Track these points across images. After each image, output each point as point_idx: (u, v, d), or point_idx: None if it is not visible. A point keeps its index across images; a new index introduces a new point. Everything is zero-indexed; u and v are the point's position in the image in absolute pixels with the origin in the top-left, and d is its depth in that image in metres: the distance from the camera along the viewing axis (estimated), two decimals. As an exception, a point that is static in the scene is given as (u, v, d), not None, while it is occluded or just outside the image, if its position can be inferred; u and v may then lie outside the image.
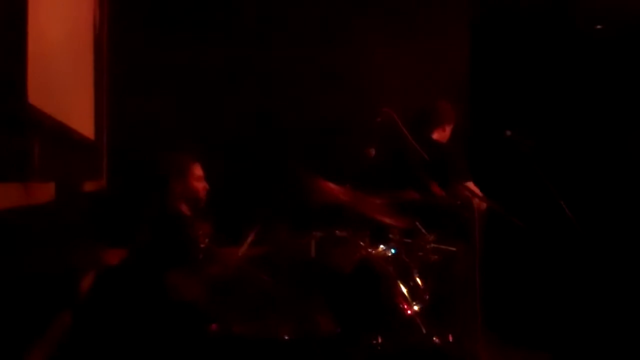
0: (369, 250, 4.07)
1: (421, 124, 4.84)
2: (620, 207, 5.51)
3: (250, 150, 5.24)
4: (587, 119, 5.69)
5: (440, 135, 4.92)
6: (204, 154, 3.94)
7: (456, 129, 5.00)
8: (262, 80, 5.35)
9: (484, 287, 4.23)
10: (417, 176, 4.59)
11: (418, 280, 4.01)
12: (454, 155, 4.76)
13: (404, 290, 3.93)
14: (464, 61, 5.69)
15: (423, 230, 4.18)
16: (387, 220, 4.09)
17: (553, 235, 4.79)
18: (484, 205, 4.42)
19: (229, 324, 3.44)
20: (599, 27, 5.75)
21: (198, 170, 3.89)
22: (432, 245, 4.15)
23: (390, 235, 4.14)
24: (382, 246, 4.13)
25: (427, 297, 3.98)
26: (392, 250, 4.12)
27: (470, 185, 4.54)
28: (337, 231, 4.15)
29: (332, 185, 4.07)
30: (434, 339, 3.82)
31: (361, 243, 4.07)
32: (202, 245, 3.74)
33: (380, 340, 3.71)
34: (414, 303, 3.92)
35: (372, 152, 4.29)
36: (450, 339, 3.90)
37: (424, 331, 3.82)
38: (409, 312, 3.88)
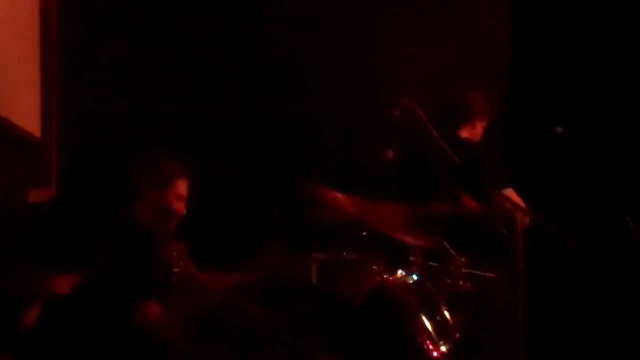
0: (385, 276, 4.07)
1: (446, 119, 4.85)
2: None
3: (236, 153, 5.25)
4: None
5: (471, 133, 4.94)
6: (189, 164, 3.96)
7: (492, 125, 5.01)
8: (251, 70, 5.36)
9: (528, 323, 4.21)
10: (444, 184, 4.59)
11: (446, 314, 4.01)
12: (490, 158, 4.78)
13: (429, 326, 3.93)
14: (503, 44, 5.70)
15: (452, 252, 4.18)
16: (408, 239, 4.10)
17: (615, 258, 4.78)
18: (527, 220, 4.41)
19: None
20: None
21: (182, 188, 3.91)
22: (464, 270, 4.15)
23: (412, 258, 4.15)
24: (401, 271, 4.13)
25: (458, 335, 3.97)
26: (414, 277, 4.12)
27: (511, 194, 4.54)
28: (344, 253, 4.15)
29: (339, 195, 4.08)
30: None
31: (374, 267, 4.07)
32: (176, 270, 3.75)
33: (399, 389, 3.72)
34: (441, 342, 3.92)
35: (389, 154, 4.29)
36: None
37: (454, 378, 3.82)
38: (435, 353, 3.88)
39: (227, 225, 4.74)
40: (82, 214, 4.46)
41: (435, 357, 3.87)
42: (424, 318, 3.94)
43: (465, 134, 4.91)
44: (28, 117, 4.25)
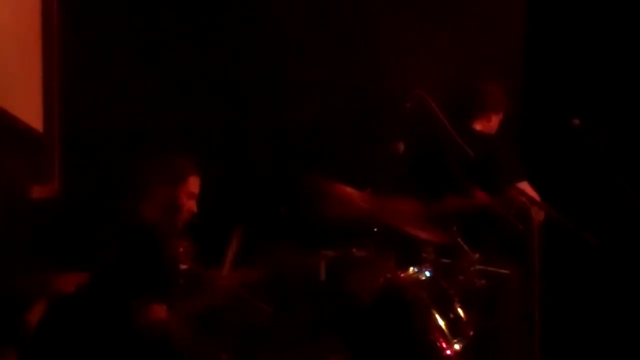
0: (396, 273, 4.07)
1: (459, 111, 4.85)
2: None
3: (244, 148, 5.25)
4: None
5: (485, 126, 4.93)
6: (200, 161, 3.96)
7: (507, 118, 5.00)
8: (258, 63, 5.37)
9: (544, 321, 4.22)
10: (457, 178, 4.60)
11: (459, 311, 4.02)
12: (505, 151, 4.77)
13: (442, 323, 3.93)
14: (518, 34, 5.69)
15: (466, 248, 4.19)
16: (420, 235, 4.10)
17: (634, 255, 4.77)
18: (543, 214, 4.41)
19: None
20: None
21: (195, 186, 3.90)
22: (478, 266, 4.16)
23: (424, 254, 4.17)
24: (413, 268, 4.15)
25: (471, 332, 3.99)
26: (427, 273, 4.14)
27: (526, 188, 4.54)
28: (354, 249, 4.16)
29: (348, 189, 4.09)
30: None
31: (385, 264, 4.07)
32: (183, 267, 3.75)
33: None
34: (455, 340, 3.93)
35: (400, 147, 4.29)
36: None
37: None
38: (447, 351, 3.89)
39: (234, 222, 4.74)
40: (86, 210, 4.47)
41: (448, 355, 3.88)
42: (437, 315, 3.95)
43: (479, 126, 4.91)
44: (30, 112, 4.26)
